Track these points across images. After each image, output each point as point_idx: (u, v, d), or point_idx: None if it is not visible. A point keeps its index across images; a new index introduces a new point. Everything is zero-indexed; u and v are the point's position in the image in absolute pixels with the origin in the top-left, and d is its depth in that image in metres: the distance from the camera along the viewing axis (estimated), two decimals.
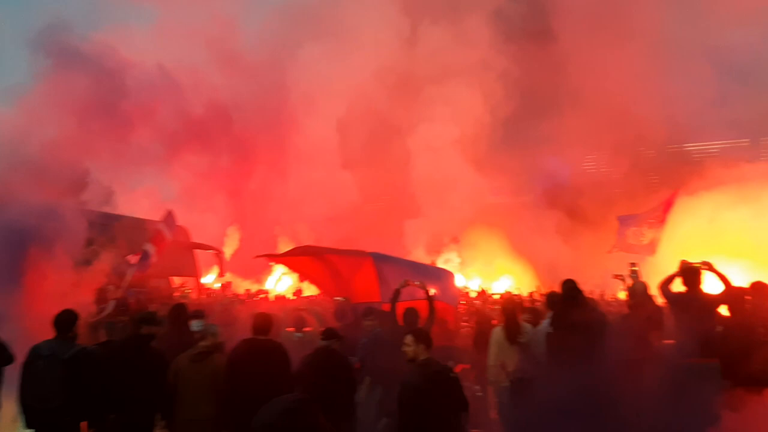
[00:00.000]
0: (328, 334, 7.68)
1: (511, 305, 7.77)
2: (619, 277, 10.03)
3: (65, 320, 6.40)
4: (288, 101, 21.05)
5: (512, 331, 7.32)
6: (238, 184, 21.23)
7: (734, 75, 19.81)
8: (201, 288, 15.85)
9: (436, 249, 20.86)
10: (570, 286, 7.27)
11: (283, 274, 18.95)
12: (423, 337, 6.06)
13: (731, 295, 6.86)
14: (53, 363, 6.13)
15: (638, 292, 7.31)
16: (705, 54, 19.99)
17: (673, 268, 7.70)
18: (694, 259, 7.13)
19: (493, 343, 7.44)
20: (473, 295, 16.27)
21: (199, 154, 20.67)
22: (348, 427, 6.72)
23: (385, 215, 19.28)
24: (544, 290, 17.68)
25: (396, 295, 8.70)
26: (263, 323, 7.00)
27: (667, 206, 18.38)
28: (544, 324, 7.55)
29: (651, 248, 18.95)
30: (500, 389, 7.50)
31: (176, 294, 13.84)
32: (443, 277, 10.06)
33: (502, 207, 21.17)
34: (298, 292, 15.38)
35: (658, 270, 17.48)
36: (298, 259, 10.37)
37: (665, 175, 20.76)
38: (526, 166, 22.24)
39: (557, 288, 7.39)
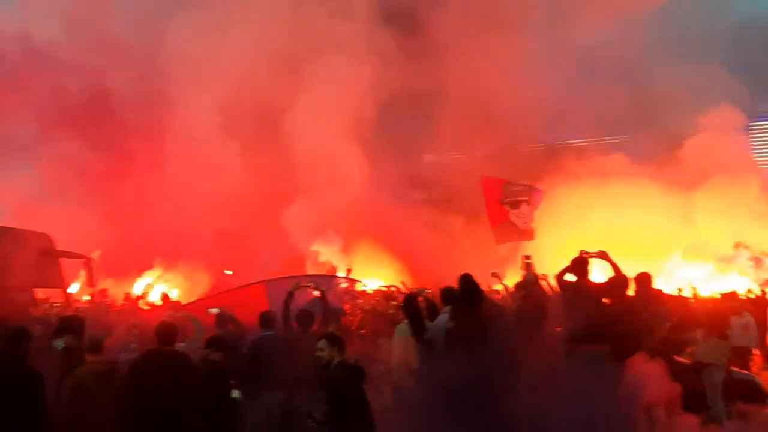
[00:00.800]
0: (212, 342, 7.39)
1: (414, 302, 7.79)
2: (496, 275, 10.40)
3: None
4: (163, 84, 19.81)
5: (419, 328, 7.34)
6: (110, 176, 19.52)
7: (601, 74, 21.07)
8: (69, 300, 14.72)
9: (318, 232, 20.53)
10: (467, 280, 7.41)
11: (157, 278, 18.07)
12: (336, 340, 6.11)
13: (617, 283, 7.29)
14: None
15: (530, 283, 7.59)
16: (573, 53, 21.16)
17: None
18: (591, 249, 7.48)
19: (397, 339, 7.42)
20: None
21: (65, 141, 19.03)
22: None
23: (268, 199, 18.68)
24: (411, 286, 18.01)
25: (289, 298, 8.52)
26: (169, 332, 6.62)
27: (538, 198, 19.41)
28: (442, 319, 7.63)
29: (530, 234, 19.85)
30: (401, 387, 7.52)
31: (41, 308, 12.74)
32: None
33: (380, 200, 21.19)
34: (165, 297, 14.70)
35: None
36: None
37: (536, 170, 21.78)
38: (401, 160, 22.52)
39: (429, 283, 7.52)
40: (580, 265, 7.35)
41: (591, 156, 22.11)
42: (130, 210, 18.42)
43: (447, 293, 7.95)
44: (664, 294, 8.25)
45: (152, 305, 13.66)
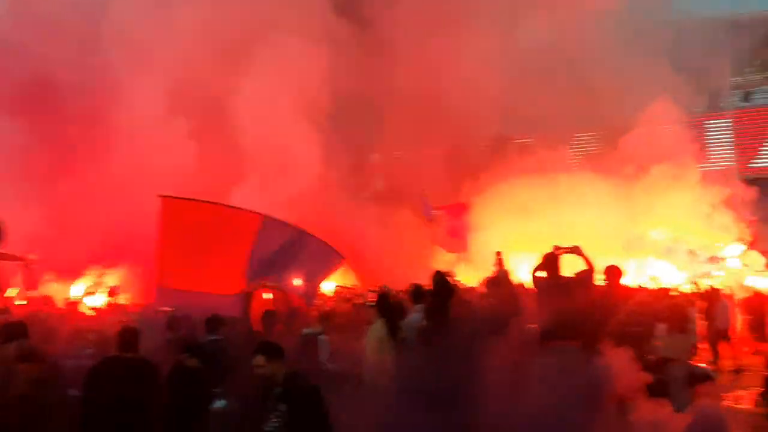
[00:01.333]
0: (190, 348, 7.11)
1: (388, 301, 7.66)
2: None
3: None
4: (104, 67, 18.81)
5: (395, 327, 7.20)
6: (48, 167, 18.23)
7: (545, 71, 21.31)
8: (6, 304, 13.89)
9: None
10: (440, 278, 7.33)
11: (98, 278, 17.26)
12: (273, 351, 5.22)
13: (586, 276, 7.34)
14: None
15: (501, 279, 7.56)
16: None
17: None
18: (564, 244, 7.50)
19: (372, 339, 7.26)
20: None
21: None
22: None
23: (216, 187, 18.08)
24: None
25: (248, 300, 8.29)
26: (130, 338, 6.31)
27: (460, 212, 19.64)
28: (414, 318, 7.53)
29: (464, 246, 20.17)
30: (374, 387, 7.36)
31: None
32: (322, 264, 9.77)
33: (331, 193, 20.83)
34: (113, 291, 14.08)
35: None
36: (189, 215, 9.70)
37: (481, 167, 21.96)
38: (350, 155, 22.29)
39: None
40: (551, 261, 7.37)
41: (535, 152, 22.42)
42: (70, 203, 17.35)
43: (417, 292, 7.88)
44: (630, 287, 8.34)
45: (97, 309, 13.04)
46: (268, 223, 9.73)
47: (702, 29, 22.17)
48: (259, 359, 5.13)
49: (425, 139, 22.83)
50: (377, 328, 7.38)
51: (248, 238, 9.62)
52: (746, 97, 26.44)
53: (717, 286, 16.60)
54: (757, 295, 16.10)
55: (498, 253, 8.22)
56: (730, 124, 26.07)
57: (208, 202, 10.22)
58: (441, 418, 6.54)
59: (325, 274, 9.92)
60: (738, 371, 13.02)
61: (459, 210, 21.05)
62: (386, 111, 22.30)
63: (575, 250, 7.57)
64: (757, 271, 18.51)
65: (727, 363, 13.55)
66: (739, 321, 15.24)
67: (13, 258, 14.98)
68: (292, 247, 9.56)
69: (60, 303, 13.92)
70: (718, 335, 14.02)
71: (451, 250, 20.49)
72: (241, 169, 19.18)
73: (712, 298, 15.03)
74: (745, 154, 25.80)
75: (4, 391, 5.96)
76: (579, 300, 7.18)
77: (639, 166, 21.19)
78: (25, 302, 14.74)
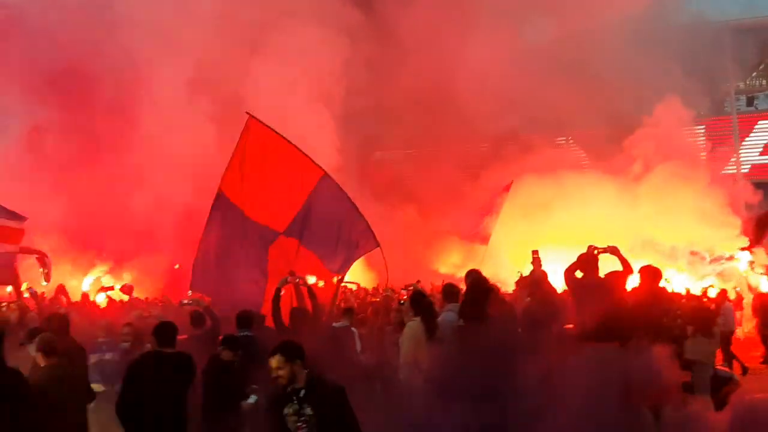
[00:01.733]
0: (226, 340, 7.08)
1: (426, 299, 7.60)
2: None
3: None
4: (122, 57, 18.63)
5: (432, 326, 7.14)
6: (73, 154, 17.97)
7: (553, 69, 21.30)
8: (21, 298, 13.73)
9: None
10: (476, 276, 7.29)
11: (104, 273, 17.12)
12: (293, 352, 4.87)
13: (622, 277, 7.31)
14: None
15: (538, 279, 7.51)
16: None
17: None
18: (600, 244, 7.45)
19: (408, 339, 7.19)
20: None
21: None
22: None
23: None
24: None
25: (277, 296, 8.19)
26: (170, 332, 6.26)
27: (501, 195, 19.53)
28: (447, 317, 7.47)
29: (485, 238, 20.08)
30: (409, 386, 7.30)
31: None
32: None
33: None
34: (127, 288, 13.93)
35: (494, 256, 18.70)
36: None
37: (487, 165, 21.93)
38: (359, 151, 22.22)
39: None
40: (589, 261, 7.32)
41: (542, 150, 22.41)
42: (92, 192, 17.15)
43: (450, 290, 7.82)
44: (665, 289, 8.32)
45: (115, 302, 12.92)
46: (326, 182, 9.68)
47: (708, 34, 22.29)
48: (278, 360, 4.81)
49: (433, 136, 22.76)
50: (413, 326, 7.32)
51: (305, 189, 9.62)
52: (750, 101, 26.65)
53: (723, 287, 16.68)
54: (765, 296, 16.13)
55: (534, 252, 8.06)
56: (734, 128, 26.16)
57: (286, 139, 10.04)
58: (478, 417, 6.51)
59: (357, 255, 9.82)
60: (744, 374, 13.06)
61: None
62: (395, 106, 22.18)
63: (613, 251, 7.51)
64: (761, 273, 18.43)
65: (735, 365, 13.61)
66: (748, 323, 15.29)
67: (31, 251, 14.83)
68: (338, 216, 9.52)
69: (75, 296, 13.78)
70: (725, 338, 14.06)
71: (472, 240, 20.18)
72: None
73: (718, 300, 15.07)
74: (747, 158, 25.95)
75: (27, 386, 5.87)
76: (618, 301, 7.15)
77: (645, 166, 21.22)
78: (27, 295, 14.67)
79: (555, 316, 7.10)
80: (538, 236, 19.26)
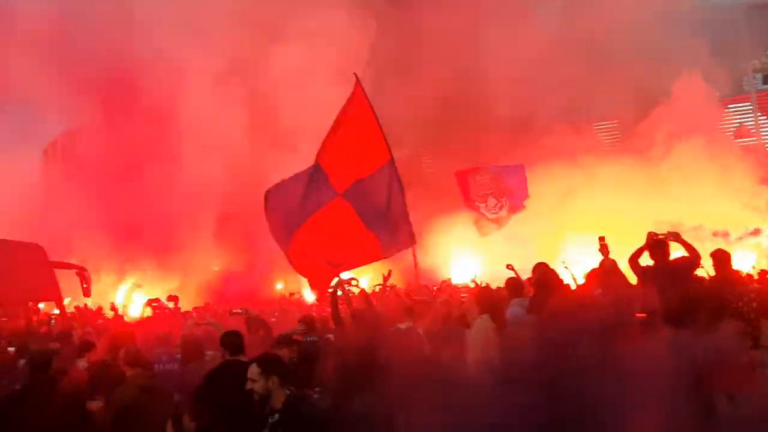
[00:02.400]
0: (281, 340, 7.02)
1: (494, 293, 7.48)
2: (510, 267, 10.22)
3: None
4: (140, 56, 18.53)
5: (500, 321, 7.01)
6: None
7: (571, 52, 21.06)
8: (64, 313, 13.70)
9: None
10: (544, 269, 7.17)
11: (134, 285, 17.01)
12: (271, 365, 4.61)
13: (692, 262, 7.18)
14: None
15: (609, 268, 7.35)
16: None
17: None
18: (660, 230, 7.31)
19: (477, 335, 7.06)
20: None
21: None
22: None
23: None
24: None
25: (334, 298, 8.09)
26: (238, 340, 6.26)
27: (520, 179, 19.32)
28: (515, 311, 7.34)
29: (502, 222, 19.95)
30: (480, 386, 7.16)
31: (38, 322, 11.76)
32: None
33: None
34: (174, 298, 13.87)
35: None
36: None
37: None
38: None
39: None
40: (659, 247, 7.18)
41: (561, 136, 22.17)
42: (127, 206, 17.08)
43: (516, 284, 7.72)
44: (739, 273, 8.15)
45: (161, 312, 12.83)
46: (390, 168, 9.62)
47: (722, 12, 22.05)
48: (253, 371, 4.52)
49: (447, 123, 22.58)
50: (482, 323, 7.21)
51: (374, 165, 9.70)
52: (766, 79, 26.34)
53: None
54: None
55: (602, 239, 7.83)
56: (753, 106, 25.86)
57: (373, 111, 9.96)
58: (552, 411, 6.37)
59: (396, 249, 9.80)
60: None
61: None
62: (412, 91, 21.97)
63: (675, 237, 7.37)
64: None
65: None
66: None
67: (70, 266, 14.79)
68: (390, 204, 9.52)
69: (108, 311, 13.73)
70: None
71: (491, 231, 20.10)
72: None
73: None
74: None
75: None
76: (690, 287, 7.01)
77: (666, 146, 20.92)
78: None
79: (629, 306, 6.94)
80: (562, 224, 19.20)
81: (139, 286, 16.34)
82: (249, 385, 4.51)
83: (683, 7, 21.89)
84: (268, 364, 4.57)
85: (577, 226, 18.53)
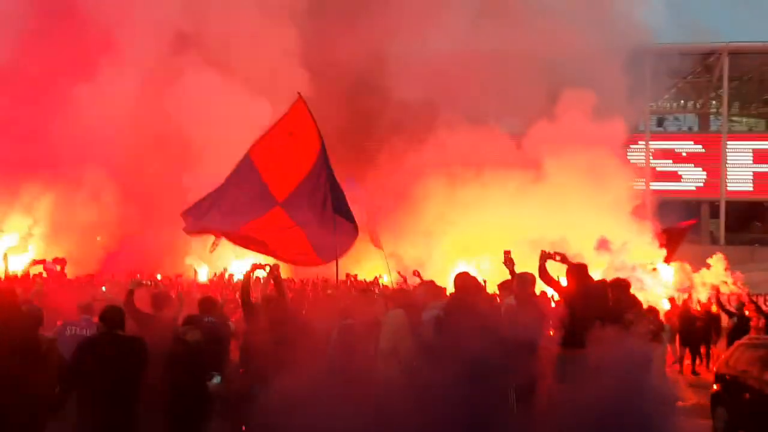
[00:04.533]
0: (189, 320, 6.76)
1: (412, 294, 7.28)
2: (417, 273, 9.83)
3: None
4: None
5: (417, 320, 6.81)
6: None
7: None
8: None
9: None
10: (464, 275, 7.11)
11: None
12: None
13: (604, 286, 7.34)
14: None
15: (524, 281, 7.28)
16: None
17: None
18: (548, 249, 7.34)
19: (387, 328, 6.88)
20: None
21: None
22: None
23: None
24: None
25: (246, 283, 7.69)
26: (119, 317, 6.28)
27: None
28: (432, 312, 7.16)
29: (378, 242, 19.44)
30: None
31: None
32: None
33: None
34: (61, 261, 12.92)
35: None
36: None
37: None
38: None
39: None
40: (579, 270, 7.23)
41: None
42: None
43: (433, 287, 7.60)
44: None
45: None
46: (321, 158, 9.43)
47: (626, 56, 22.82)
48: None
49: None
50: (394, 315, 7.03)
51: (310, 160, 9.52)
52: (660, 122, 28.09)
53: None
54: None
55: (507, 252, 7.71)
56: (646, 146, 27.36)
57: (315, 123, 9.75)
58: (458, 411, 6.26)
59: (344, 249, 9.56)
60: None
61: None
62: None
63: (562, 258, 7.40)
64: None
65: None
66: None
67: None
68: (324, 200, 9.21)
69: None
70: None
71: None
72: None
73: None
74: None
75: None
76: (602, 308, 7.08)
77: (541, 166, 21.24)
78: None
79: (541, 320, 6.98)
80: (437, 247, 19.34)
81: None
82: None
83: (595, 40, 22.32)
84: None
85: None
